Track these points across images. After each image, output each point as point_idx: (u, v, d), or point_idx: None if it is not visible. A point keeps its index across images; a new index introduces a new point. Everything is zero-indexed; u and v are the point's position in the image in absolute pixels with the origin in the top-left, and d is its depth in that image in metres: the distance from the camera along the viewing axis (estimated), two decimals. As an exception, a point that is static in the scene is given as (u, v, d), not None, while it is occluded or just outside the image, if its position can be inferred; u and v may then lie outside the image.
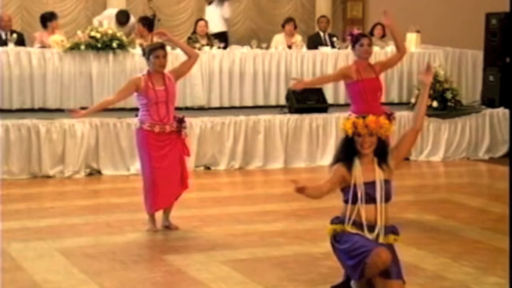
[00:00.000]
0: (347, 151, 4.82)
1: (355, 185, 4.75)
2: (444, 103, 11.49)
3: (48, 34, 11.30)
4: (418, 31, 12.56)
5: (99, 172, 9.91)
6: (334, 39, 12.70)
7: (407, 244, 6.45)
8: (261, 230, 7.08)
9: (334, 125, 10.62)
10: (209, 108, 11.24)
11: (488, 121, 11.65)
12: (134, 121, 9.76)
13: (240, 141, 10.46)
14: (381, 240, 4.75)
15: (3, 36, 11.16)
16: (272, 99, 11.63)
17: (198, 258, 6.09)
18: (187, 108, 10.78)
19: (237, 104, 11.46)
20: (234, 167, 10.45)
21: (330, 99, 11.44)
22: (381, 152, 4.82)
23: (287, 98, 11.04)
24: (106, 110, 10.42)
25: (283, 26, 12.91)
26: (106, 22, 11.30)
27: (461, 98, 12.01)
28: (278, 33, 13.00)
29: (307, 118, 10.73)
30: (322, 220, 7.41)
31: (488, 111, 11.74)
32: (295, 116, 10.70)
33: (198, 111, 10.93)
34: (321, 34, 12.93)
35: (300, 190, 4.67)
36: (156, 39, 9.63)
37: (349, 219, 4.76)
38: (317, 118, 10.76)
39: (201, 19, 12.75)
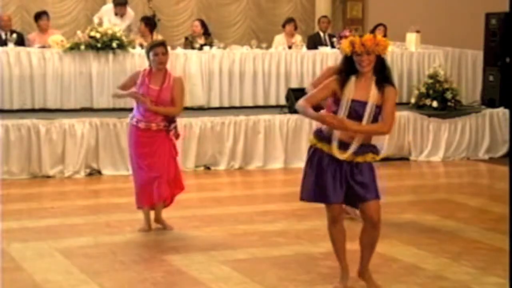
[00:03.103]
0: (348, 69, 4.93)
1: (346, 101, 4.88)
2: (444, 103, 11.49)
3: (42, 34, 11.27)
4: (418, 31, 12.56)
5: (99, 172, 9.90)
6: (334, 39, 12.70)
7: (407, 244, 6.46)
8: (261, 230, 7.08)
9: (334, 125, 10.60)
10: (209, 108, 11.23)
11: (488, 121, 11.63)
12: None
13: (240, 141, 10.45)
14: (358, 159, 4.90)
15: (3, 36, 11.13)
16: (272, 99, 11.63)
17: (198, 258, 6.08)
18: (186, 108, 10.75)
19: (237, 104, 11.46)
20: (234, 167, 10.44)
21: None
22: (381, 69, 4.92)
23: (287, 98, 11.03)
24: (106, 110, 10.59)
25: (283, 26, 12.91)
26: (106, 18, 11.27)
27: (461, 98, 12.01)
28: (278, 34, 13.01)
29: (307, 118, 10.69)
30: (322, 220, 7.39)
31: (488, 111, 11.73)
32: (295, 116, 10.68)
33: (198, 111, 10.93)
34: (321, 34, 12.91)
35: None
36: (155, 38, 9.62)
37: (332, 137, 4.95)
38: (317, 118, 10.73)
39: (196, 19, 12.77)
